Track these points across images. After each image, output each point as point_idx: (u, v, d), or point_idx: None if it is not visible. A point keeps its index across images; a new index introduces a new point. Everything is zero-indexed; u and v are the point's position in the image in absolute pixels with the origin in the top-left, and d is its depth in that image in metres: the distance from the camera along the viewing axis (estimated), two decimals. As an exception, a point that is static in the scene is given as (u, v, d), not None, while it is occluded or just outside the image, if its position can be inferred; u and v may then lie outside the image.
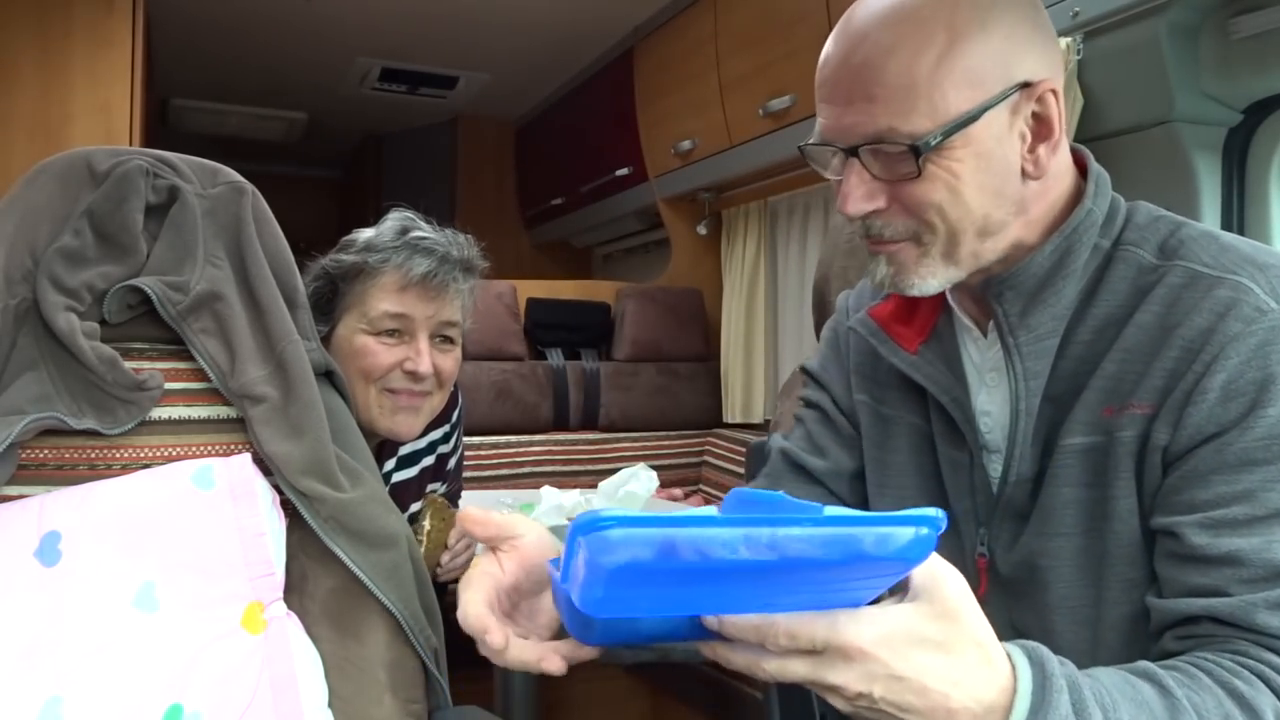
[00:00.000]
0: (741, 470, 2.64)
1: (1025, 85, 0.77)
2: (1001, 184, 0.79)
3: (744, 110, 2.55)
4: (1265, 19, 1.22)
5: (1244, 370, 0.71)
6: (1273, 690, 0.65)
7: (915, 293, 0.84)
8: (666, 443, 3.03)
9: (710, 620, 0.57)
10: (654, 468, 1.83)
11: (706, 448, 3.05)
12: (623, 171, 3.32)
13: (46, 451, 0.91)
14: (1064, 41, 1.38)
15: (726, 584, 0.53)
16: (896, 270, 0.84)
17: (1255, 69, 1.28)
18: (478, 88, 3.81)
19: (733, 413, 2.98)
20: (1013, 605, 0.87)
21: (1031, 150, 0.79)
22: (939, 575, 0.57)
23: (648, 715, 2.54)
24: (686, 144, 2.88)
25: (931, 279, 0.83)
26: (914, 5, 0.77)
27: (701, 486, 3.01)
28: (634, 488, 1.72)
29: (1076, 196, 0.84)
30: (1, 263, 0.92)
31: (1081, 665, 0.63)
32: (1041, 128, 0.79)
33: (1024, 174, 0.80)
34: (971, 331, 0.90)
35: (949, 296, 0.91)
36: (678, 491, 2.79)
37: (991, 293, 0.83)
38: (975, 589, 0.87)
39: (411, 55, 3.48)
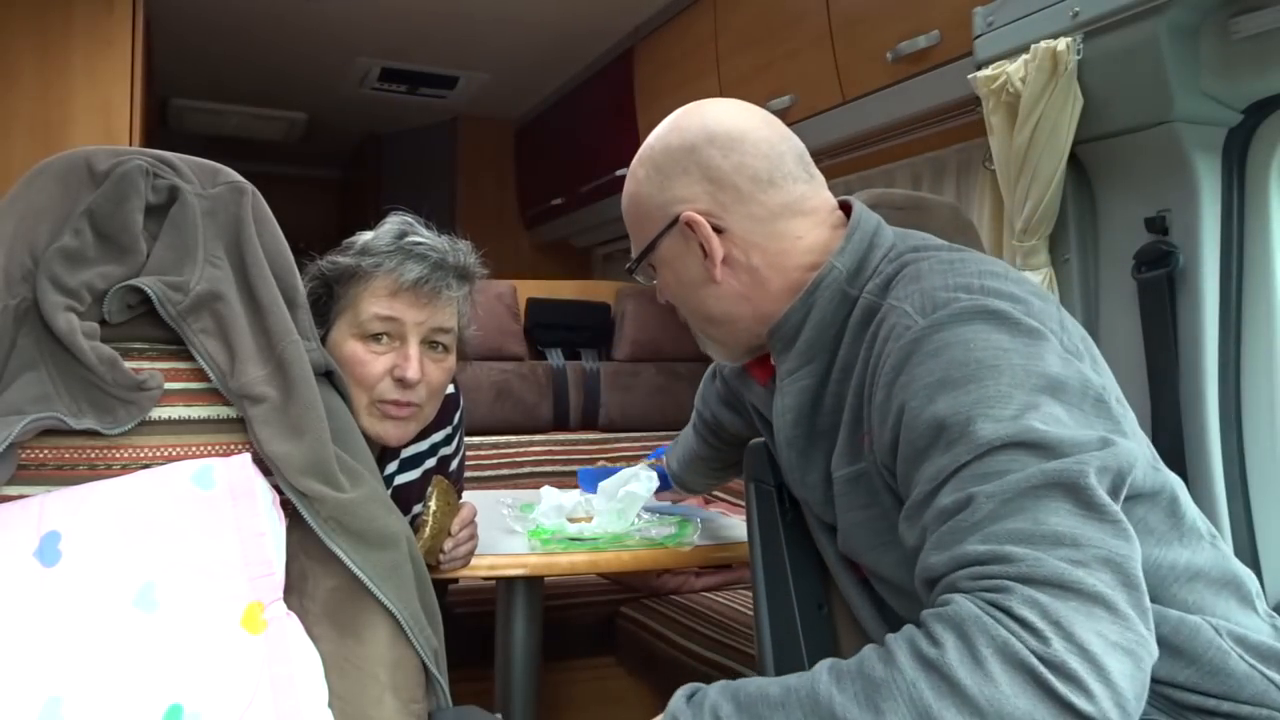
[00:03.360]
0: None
1: (677, 219, 0.98)
2: (702, 288, 1.00)
3: (744, 110, 2.55)
4: (1265, 19, 1.22)
5: (893, 378, 0.81)
6: (922, 626, 0.67)
7: (723, 363, 1.14)
8: (666, 443, 3.02)
9: None
10: (654, 468, 1.82)
11: (706, 448, 3.04)
12: (623, 171, 3.27)
13: (46, 451, 0.91)
14: (1063, 41, 1.38)
15: None
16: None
17: (1255, 69, 1.28)
18: (478, 88, 3.81)
19: (733, 413, 2.98)
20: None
21: (707, 259, 0.97)
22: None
23: (648, 715, 2.54)
24: (686, 144, 2.88)
25: (718, 356, 1.10)
26: (636, 157, 1.05)
27: (701, 486, 3.00)
28: (634, 488, 1.71)
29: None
30: (1, 263, 0.92)
31: None
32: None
33: (713, 279, 0.97)
34: None
35: None
36: (678, 491, 2.78)
37: (770, 341, 0.99)
38: (863, 581, 1.04)
39: (411, 55, 3.47)
